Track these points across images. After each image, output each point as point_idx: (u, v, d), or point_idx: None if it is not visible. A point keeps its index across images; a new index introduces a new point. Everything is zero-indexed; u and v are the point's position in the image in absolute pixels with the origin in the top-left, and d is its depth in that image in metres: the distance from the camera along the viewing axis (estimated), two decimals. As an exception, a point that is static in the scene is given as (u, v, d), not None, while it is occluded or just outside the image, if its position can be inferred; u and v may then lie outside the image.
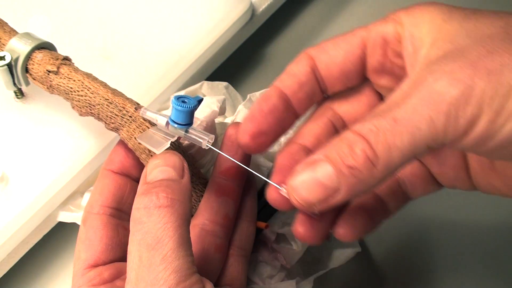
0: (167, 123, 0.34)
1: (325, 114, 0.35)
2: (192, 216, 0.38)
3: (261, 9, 0.53)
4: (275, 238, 0.42)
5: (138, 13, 0.49)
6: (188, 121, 0.34)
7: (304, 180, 0.28)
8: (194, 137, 0.34)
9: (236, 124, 0.40)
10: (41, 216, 0.41)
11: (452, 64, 0.26)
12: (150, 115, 0.35)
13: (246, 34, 0.53)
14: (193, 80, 0.48)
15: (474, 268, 0.45)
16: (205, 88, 0.46)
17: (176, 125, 0.34)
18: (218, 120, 0.44)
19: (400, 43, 0.32)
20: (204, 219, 0.37)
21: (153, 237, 0.30)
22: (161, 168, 0.32)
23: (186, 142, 0.39)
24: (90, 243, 0.36)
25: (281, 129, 0.34)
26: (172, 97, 0.34)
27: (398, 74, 0.32)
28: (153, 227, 0.30)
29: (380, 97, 0.35)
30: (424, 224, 0.47)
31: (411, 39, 0.31)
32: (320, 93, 0.35)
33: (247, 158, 0.40)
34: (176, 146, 0.37)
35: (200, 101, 0.34)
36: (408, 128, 0.26)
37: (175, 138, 0.35)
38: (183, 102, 0.33)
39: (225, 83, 0.48)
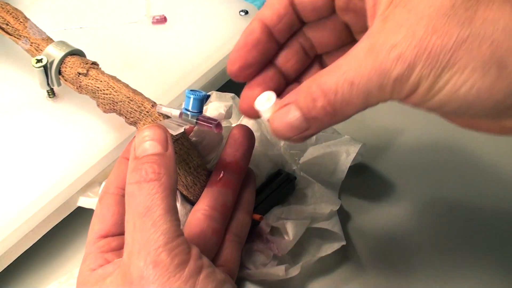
0: (181, 114, 0.38)
1: (297, 38, 0.38)
2: (194, 204, 0.41)
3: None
4: (270, 230, 0.45)
5: (157, 28, 0.52)
6: (199, 109, 0.37)
7: (280, 122, 0.32)
8: (204, 122, 0.37)
9: (239, 126, 0.43)
10: (62, 199, 0.43)
11: (402, 39, 0.28)
12: (165, 110, 0.39)
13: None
14: (204, 89, 0.49)
15: (459, 262, 0.46)
16: (214, 96, 0.49)
17: (189, 113, 0.37)
18: (224, 124, 0.47)
19: None
20: (205, 205, 0.40)
21: (144, 206, 0.33)
22: (148, 142, 0.35)
23: (194, 138, 0.42)
24: (103, 217, 0.39)
25: (265, 59, 0.37)
26: (185, 91, 0.38)
27: (361, 14, 0.33)
28: (143, 198, 0.33)
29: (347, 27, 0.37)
30: (408, 219, 0.48)
31: None
32: (299, 22, 0.37)
33: (247, 155, 0.43)
34: (184, 141, 0.41)
35: (208, 96, 0.38)
36: (363, 93, 0.29)
37: (188, 126, 0.38)
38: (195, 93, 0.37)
39: (232, 94, 0.50)
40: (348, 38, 0.37)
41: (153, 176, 0.34)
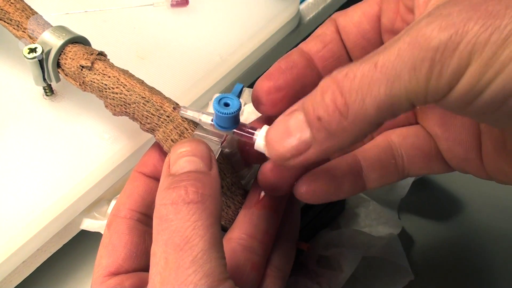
0: (212, 122, 0.33)
1: None
2: (227, 229, 0.36)
3: (308, 18, 0.52)
4: (317, 260, 0.40)
5: (177, 11, 0.49)
6: (233, 123, 0.32)
7: (278, 130, 0.27)
8: (244, 134, 0.32)
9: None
10: (62, 222, 0.40)
11: (452, 8, 0.22)
12: (192, 114, 0.34)
13: (292, 42, 0.51)
14: (234, 85, 0.46)
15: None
16: (246, 95, 0.44)
17: (221, 129, 0.32)
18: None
19: None
20: (242, 233, 0.35)
21: (182, 236, 0.28)
22: (188, 158, 0.30)
23: (227, 149, 0.38)
24: (113, 248, 0.34)
25: (299, 87, 0.32)
26: (213, 99, 0.33)
27: None
28: (182, 226, 0.28)
29: None
30: (482, 249, 0.44)
31: None
32: (346, 55, 0.32)
33: None
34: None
35: (241, 90, 0.33)
36: (388, 75, 0.23)
37: (224, 138, 0.33)
38: (226, 105, 0.32)
39: (268, 91, 0.46)
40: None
41: (195, 197, 0.28)
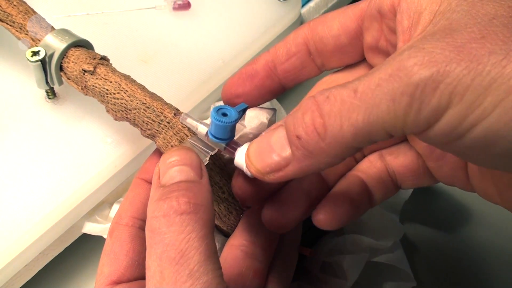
0: (207, 134, 0.32)
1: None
2: (229, 235, 0.36)
3: (310, 21, 0.51)
4: (321, 266, 0.39)
5: (179, 15, 0.48)
6: (228, 136, 0.31)
7: (260, 144, 0.28)
8: (232, 150, 0.31)
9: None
10: (65, 225, 0.39)
11: (435, 43, 0.22)
12: (190, 122, 0.33)
13: (294, 46, 0.50)
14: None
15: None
16: None
17: (215, 140, 0.31)
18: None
19: (395, 18, 0.28)
20: (243, 239, 0.34)
21: (177, 250, 0.27)
22: (177, 167, 0.29)
23: (228, 155, 0.37)
24: (115, 256, 0.33)
25: (260, 96, 0.34)
26: (212, 108, 0.32)
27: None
28: (176, 238, 0.27)
29: None
30: (485, 255, 0.43)
31: (408, 12, 0.27)
32: (315, 68, 0.33)
33: None
34: (216, 159, 0.35)
35: (244, 109, 0.32)
36: (366, 104, 0.23)
37: (215, 151, 0.32)
38: (224, 115, 0.31)
39: (270, 96, 0.45)
40: None
41: (187, 207, 0.28)
